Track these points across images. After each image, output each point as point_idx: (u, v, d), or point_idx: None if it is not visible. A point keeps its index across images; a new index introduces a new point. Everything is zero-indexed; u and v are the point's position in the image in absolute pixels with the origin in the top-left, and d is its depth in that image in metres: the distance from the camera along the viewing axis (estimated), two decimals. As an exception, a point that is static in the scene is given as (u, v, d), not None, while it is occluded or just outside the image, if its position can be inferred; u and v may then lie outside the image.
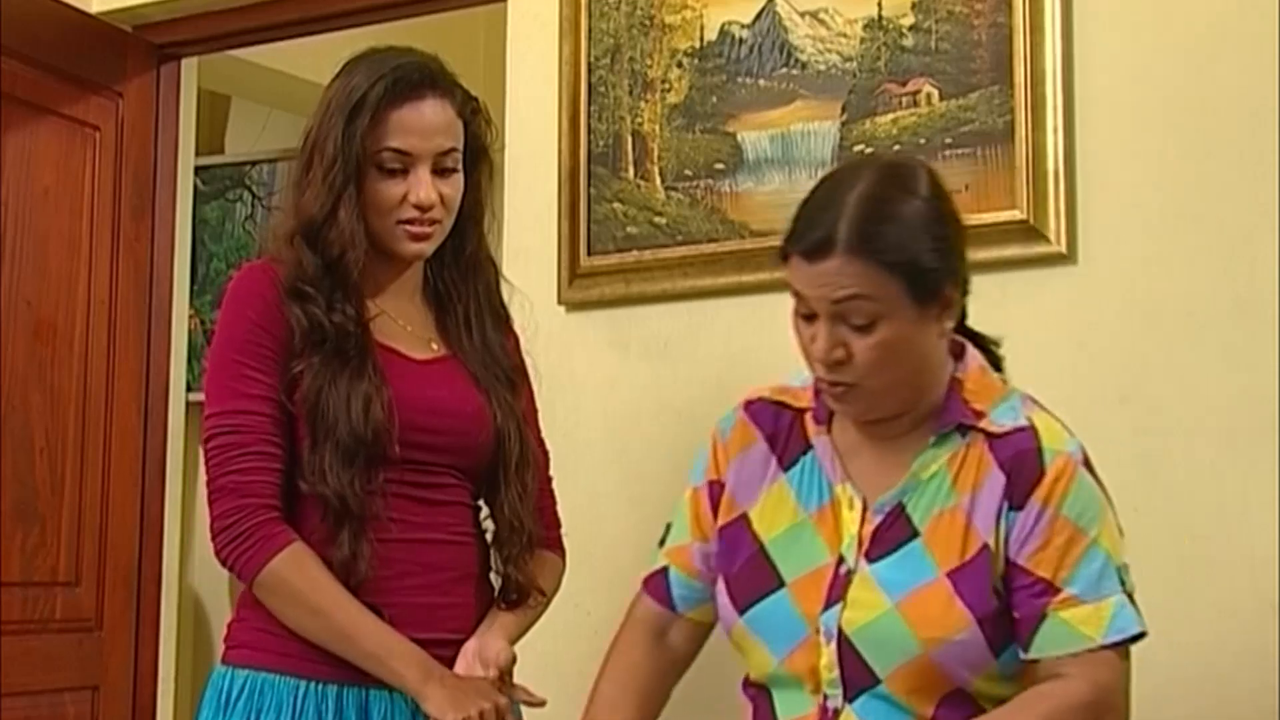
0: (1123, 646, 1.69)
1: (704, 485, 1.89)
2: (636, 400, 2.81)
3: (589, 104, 2.88)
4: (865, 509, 1.74)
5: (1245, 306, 2.33)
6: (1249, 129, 2.35)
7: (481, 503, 2.12)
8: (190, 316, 4.00)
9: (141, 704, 3.59)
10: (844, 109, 2.64)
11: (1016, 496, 1.69)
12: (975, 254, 2.47)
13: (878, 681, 1.68)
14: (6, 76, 3.32)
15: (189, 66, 3.80)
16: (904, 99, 2.58)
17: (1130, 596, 1.70)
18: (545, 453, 2.23)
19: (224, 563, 1.98)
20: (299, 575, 1.94)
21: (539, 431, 2.23)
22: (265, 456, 1.96)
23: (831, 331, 1.67)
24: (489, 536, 2.12)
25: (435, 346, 2.11)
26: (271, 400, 1.98)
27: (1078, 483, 1.70)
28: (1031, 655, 1.67)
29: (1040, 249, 2.46)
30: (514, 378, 2.15)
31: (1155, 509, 2.35)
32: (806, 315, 1.70)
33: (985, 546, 1.68)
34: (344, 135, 2.00)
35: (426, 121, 2.03)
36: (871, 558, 1.72)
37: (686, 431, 2.75)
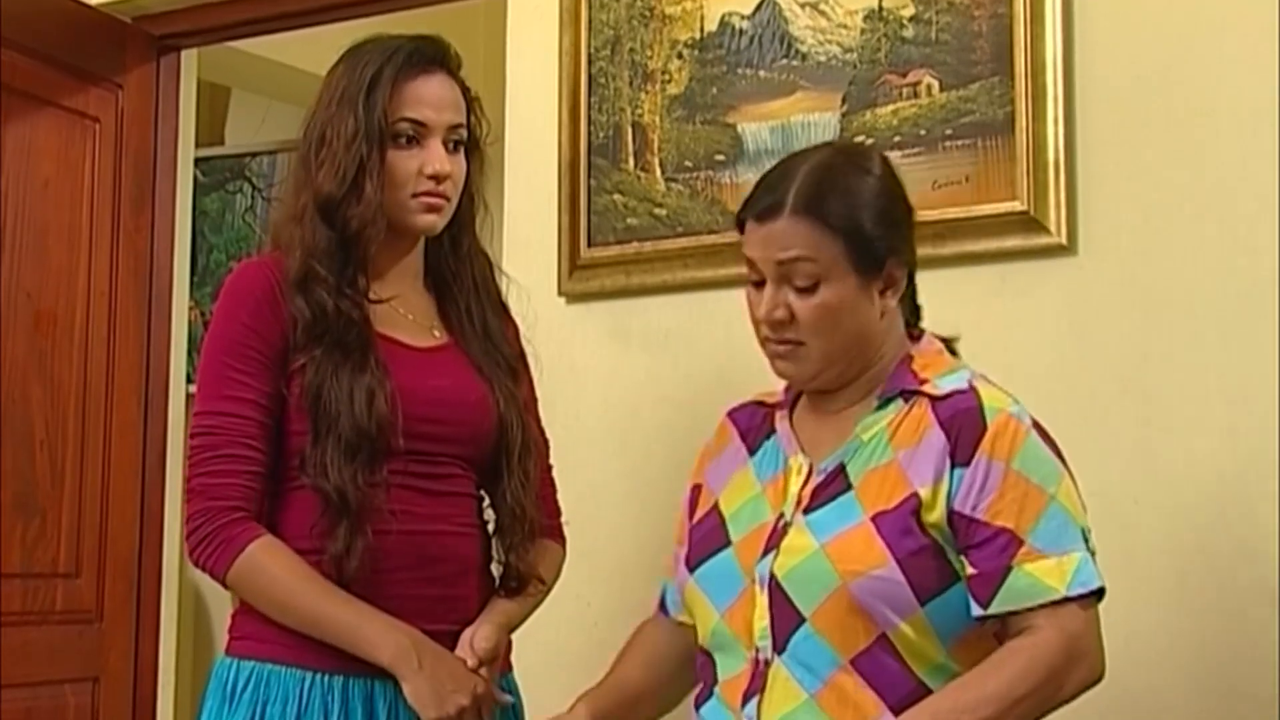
0: (1087, 600, 1.72)
1: (688, 492, 1.98)
2: (637, 391, 2.81)
3: (589, 95, 2.88)
4: (810, 471, 1.81)
5: (1245, 298, 2.33)
6: (1249, 120, 2.34)
7: (483, 492, 2.13)
8: (190, 308, 4.00)
9: (142, 695, 3.59)
10: (844, 100, 2.64)
11: (960, 453, 1.73)
12: (975, 245, 2.50)
13: (803, 620, 1.72)
14: (6, 68, 3.31)
15: (189, 58, 3.80)
16: (904, 90, 2.58)
17: (1093, 555, 1.74)
18: (545, 441, 2.24)
19: (195, 565, 2.01)
20: (260, 573, 1.96)
21: (539, 420, 2.23)
22: (237, 459, 1.98)
23: (776, 292, 1.77)
24: (490, 526, 2.13)
25: (437, 334, 2.12)
26: (254, 403, 1.99)
27: (1028, 441, 1.74)
28: (995, 610, 1.71)
29: (1040, 240, 2.46)
30: (515, 366, 2.16)
31: (1155, 500, 2.36)
32: (757, 283, 1.79)
33: (914, 495, 1.72)
34: (365, 107, 2.02)
35: (439, 94, 2.07)
36: (807, 510, 1.77)
37: (687, 423, 2.75)
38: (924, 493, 1.72)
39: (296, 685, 1.97)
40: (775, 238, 1.75)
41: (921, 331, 1.90)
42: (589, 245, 2.86)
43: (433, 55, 2.08)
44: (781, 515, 1.79)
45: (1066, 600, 1.70)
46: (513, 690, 2.15)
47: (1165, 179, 2.40)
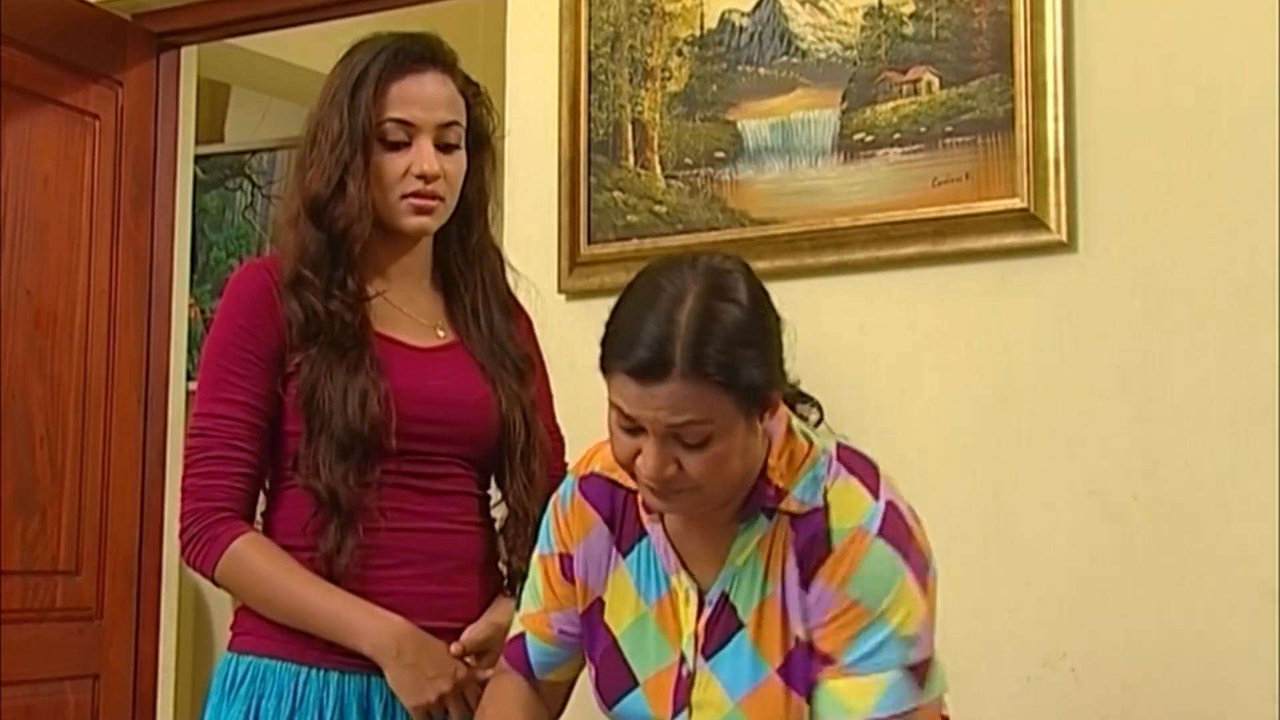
0: None
1: (553, 555, 1.86)
2: (636, 389, 2.80)
3: (589, 92, 2.88)
4: (700, 601, 1.74)
5: (1246, 295, 2.33)
6: (1250, 117, 2.34)
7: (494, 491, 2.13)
8: (190, 305, 4.00)
9: (142, 693, 3.59)
10: (844, 97, 2.63)
11: (805, 578, 1.67)
12: (975, 242, 2.50)
13: None
14: (6, 65, 3.31)
15: (189, 55, 3.80)
16: (904, 87, 2.58)
17: (913, 670, 1.65)
18: (560, 440, 2.24)
19: (186, 563, 2.03)
20: (244, 569, 1.98)
21: (553, 418, 2.23)
22: (226, 460, 1.99)
23: (662, 451, 1.62)
24: (498, 524, 2.13)
25: (442, 333, 2.11)
26: (246, 405, 2.00)
27: (867, 558, 1.65)
28: None
29: (1041, 237, 2.46)
30: (522, 366, 2.14)
31: (1154, 498, 2.36)
32: (629, 429, 1.64)
33: (798, 639, 1.68)
34: (349, 109, 2.01)
35: (428, 93, 2.05)
36: (707, 654, 1.72)
37: (686, 420, 2.76)
38: (800, 634, 1.68)
39: (291, 680, 1.98)
40: (664, 400, 1.59)
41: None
42: (589, 242, 2.86)
43: (421, 53, 2.06)
44: (684, 659, 1.74)
45: None
46: None
47: (1165, 176, 2.40)
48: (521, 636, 1.90)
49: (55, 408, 3.40)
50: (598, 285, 2.84)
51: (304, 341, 2.00)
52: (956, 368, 2.51)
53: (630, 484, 1.77)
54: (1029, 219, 2.46)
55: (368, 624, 1.95)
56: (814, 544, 1.67)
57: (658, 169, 2.81)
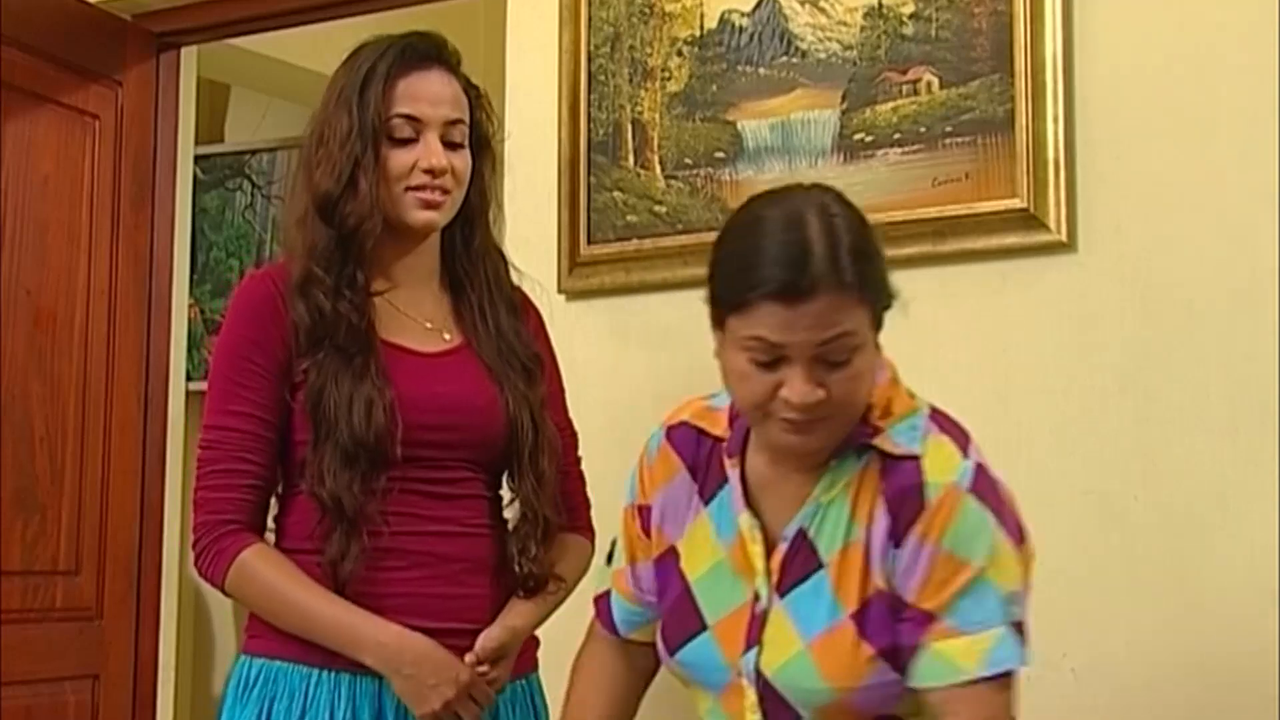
0: (1002, 679, 1.65)
1: (633, 506, 1.89)
2: (636, 389, 2.81)
3: (589, 92, 2.88)
4: (768, 538, 1.74)
5: (1245, 296, 2.33)
6: (1249, 118, 2.34)
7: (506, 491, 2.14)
8: (190, 305, 4.00)
9: (141, 693, 3.59)
10: (844, 97, 2.64)
11: (897, 533, 1.66)
12: (975, 242, 2.50)
13: (799, 717, 1.70)
14: (6, 65, 3.31)
15: (188, 55, 3.80)
16: (904, 87, 2.58)
17: (1017, 627, 1.66)
18: (573, 434, 2.25)
19: (200, 576, 2.06)
20: (252, 580, 2.00)
21: (565, 414, 2.24)
22: (232, 473, 2.01)
23: (811, 373, 1.62)
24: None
25: (448, 336, 2.12)
26: (253, 416, 2.02)
27: (961, 512, 1.65)
28: (913, 685, 1.66)
29: (1040, 237, 2.46)
30: (530, 364, 2.15)
31: (1154, 498, 2.36)
32: (767, 363, 1.63)
33: (879, 589, 1.67)
34: (358, 105, 2.03)
35: (434, 90, 2.06)
36: (783, 590, 1.72)
37: (686, 420, 2.76)
38: (881, 584, 1.68)
39: (303, 682, 1.99)
40: (812, 317, 1.59)
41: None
42: (589, 242, 2.86)
43: (427, 51, 2.08)
44: (758, 597, 1.73)
45: (979, 680, 1.63)
46: (538, 691, 2.16)
47: (1165, 177, 2.40)
48: (607, 595, 1.93)
49: (55, 408, 3.40)
50: (597, 285, 2.84)
51: (311, 347, 2.00)
52: (956, 368, 2.51)
53: (717, 432, 1.81)
54: (1029, 219, 2.46)
55: (369, 635, 1.96)
56: (907, 496, 1.67)
57: (657, 169, 2.81)
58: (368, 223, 2.02)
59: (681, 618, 1.79)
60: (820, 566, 1.70)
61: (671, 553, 1.82)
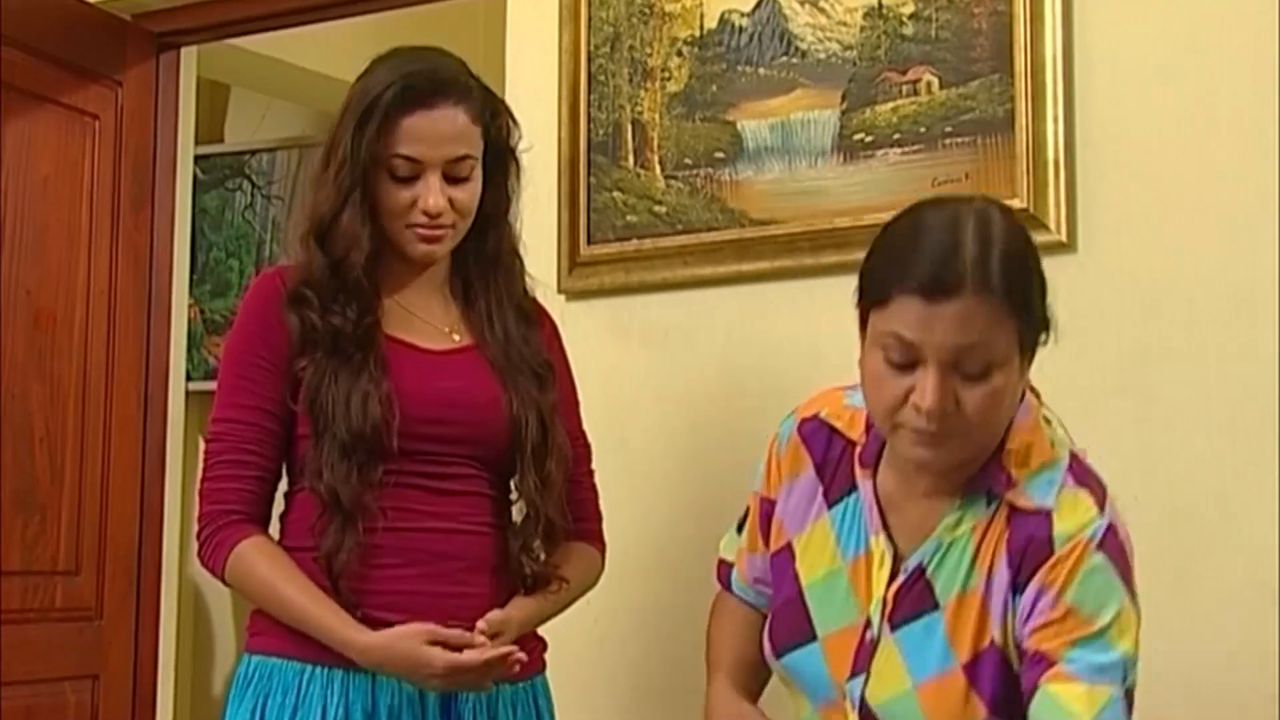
0: None
1: (758, 498, 1.87)
2: (636, 389, 2.81)
3: (589, 93, 2.88)
4: (895, 565, 1.71)
5: (1245, 296, 2.33)
6: (1250, 118, 2.34)
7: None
8: (190, 305, 4.00)
9: (141, 693, 3.59)
10: (844, 97, 2.63)
11: (1018, 580, 1.64)
12: (975, 243, 2.50)
13: None
14: (6, 65, 3.31)
15: (188, 55, 3.80)
16: (904, 87, 2.58)
17: (1129, 695, 1.63)
18: (586, 446, 2.25)
19: (203, 567, 2.09)
20: (248, 572, 2.03)
21: (578, 424, 2.25)
22: (237, 464, 2.04)
23: (945, 379, 1.57)
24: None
25: (457, 337, 2.13)
26: (259, 410, 2.04)
27: (1088, 567, 1.62)
28: None
29: (1040, 238, 2.43)
30: (541, 371, 2.15)
31: (1155, 498, 2.35)
32: (903, 364, 1.59)
33: (994, 641, 1.65)
34: (353, 139, 2.03)
35: (437, 130, 2.05)
36: (894, 622, 1.70)
37: (686, 420, 2.76)
38: (998, 636, 1.65)
39: (295, 677, 2.01)
40: (952, 318, 1.55)
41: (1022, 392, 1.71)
42: (589, 242, 2.86)
43: (432, 87, 2.05)
44: (869, 623, 1.71)
45: None
46: (543, 693, 2.16)
47: (1165, 177, 2.40)
48: (729, 565, 1.94)
49: (55, 408, 3.40)
50: (597, 285, 2.84)
51: (307, 347, 2.03)
52: (956, 368, 2.51)
53: (850, 434, 1.76)
54: (1029, 219, 2.45)
55: (353, 642, 1.96)
56: (1033, 547, 1.62)
57: (657, 169, 2.81)
58: (354, 254, 2.04)
59: (792, 620, 1.77)
60: (936, 607, 1.67)
61: (788, 550, 1.80)
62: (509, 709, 2.09)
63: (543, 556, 2.10)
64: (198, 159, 4.06)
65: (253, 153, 4.70)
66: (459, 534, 2.05)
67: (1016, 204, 2.46)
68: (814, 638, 1.75)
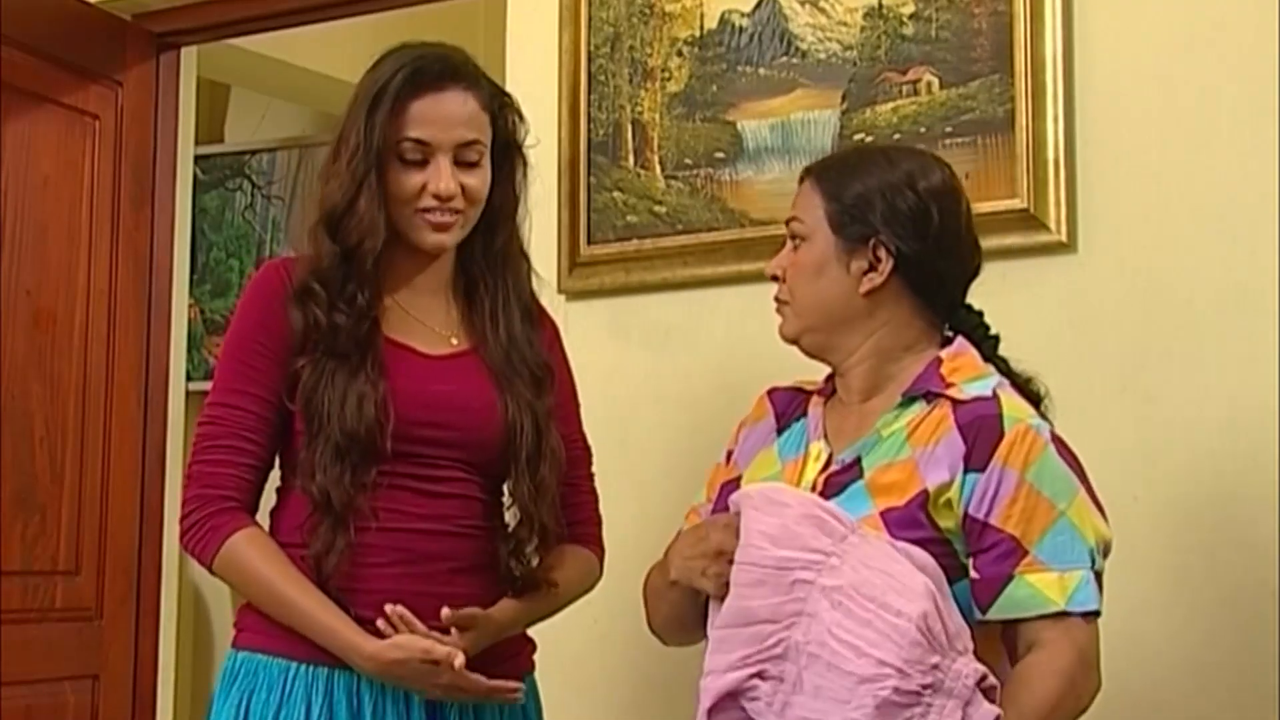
0: (1089, 617, 1.75)
1: (723, 455, 2.04)
2: (636, 389, 2.81)
3: (589, 93, 2.88)
4: (829, 461, 1.85)
5: (1245, 295, 2.33)
6: (1249, 118, 2.34)
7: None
8: (190, 305, 4.00)
9: (141, 692, 3.59)
10: (844, 98, 2.64)
11: (976, 458, 1.75)
12: (975, 242, 2.50)
13: None
14: (6, 65, 3.31)
15: (188, 55, 3.80)
16: (904, 87, 2.58)
17: (1098, 576, 1.77)
18: (585, 449, 2.25)
19: (185, 550, 2.06)
20: (241, 564, 2.00)
21: (578, 427, 2.24)
22: (234, 450, 2.02)
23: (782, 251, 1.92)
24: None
25: (455, 341, 2.12)
26: (259, 397, 2.03)
27: (1044, 454, 1.76)
28: (993, 616, 1.74)
29: (1040, 238, 2.46)
30: (539, 374, 2.13)
31: (1155, 497, 2.36)
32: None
33: (924, 491, 1.75)
34: (365, 125, 2.02)
35: (446, 112, 2.04)
36: (822, 497, 1.80)
37: (687, 420, 2.76)
38: (933, 490, 1.75)
39: (280, 674, 2.00)
40: (796, 199, 1.92)
41: (951, 338, 1.91)
42: (589, 242, 2.86)
43: (441, 71, 2.04)
44: None
45: (1068, 614, 1.73)
46: (533, 691, 2.16)
47: (1165, 177, 2.40)
48: (696, 509, 2.05)
49: (55, 408, 3.40)
50: (598, 285, 2.84)
51: (308, 346, 2.02)
52: (956, 368, 2.51)
53: (810, 389, 1.98)
54: (1029, 219, 2.46)
55: (349, 646, 1.96)
56: (983, 423, 1.76)
57: (658, 169, 2.81)
58: (368, 241, 2.02)
59: (722, 502, 1.90)
60: (860, 477, 1.79)
61: (736, 481, 1.93)
62: (495, 707, 2.08)
63: (534, 561, 2.09)
64: (198, 159, 4.06)
65: (253, 153, 4.70)
66: (449, 535, 2.04)
67: (1017, 204, 2.47)
68: None
